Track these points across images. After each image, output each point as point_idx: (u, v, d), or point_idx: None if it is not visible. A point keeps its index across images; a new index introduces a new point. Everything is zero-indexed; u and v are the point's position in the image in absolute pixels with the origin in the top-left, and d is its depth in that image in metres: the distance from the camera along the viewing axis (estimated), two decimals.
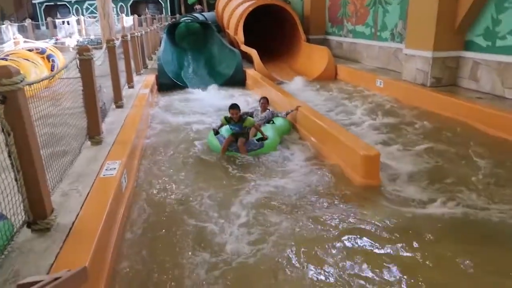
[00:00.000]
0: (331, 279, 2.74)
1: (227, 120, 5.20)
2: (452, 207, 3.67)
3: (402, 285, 2.65)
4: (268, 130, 5.58)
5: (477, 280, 2.70)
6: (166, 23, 21.43)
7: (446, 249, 3.05)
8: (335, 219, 3.52)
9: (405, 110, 7.15)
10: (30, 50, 9.39)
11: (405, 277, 2.72)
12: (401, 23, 9.57)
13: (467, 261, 2.85)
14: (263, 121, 6.11)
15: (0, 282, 2.24)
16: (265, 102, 6.47)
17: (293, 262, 2.93)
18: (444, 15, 7.31)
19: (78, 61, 4.41)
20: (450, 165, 4.67)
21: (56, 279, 1.79)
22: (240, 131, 5.14)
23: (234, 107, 5.17)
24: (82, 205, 3.15)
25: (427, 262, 2.89)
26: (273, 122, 6.12)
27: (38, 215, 2.73)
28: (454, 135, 5.70)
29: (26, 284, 1.81)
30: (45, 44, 11.33)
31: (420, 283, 2.67)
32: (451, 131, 5.87)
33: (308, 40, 13.05)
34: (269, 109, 6.43)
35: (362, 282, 2.69)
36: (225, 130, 5.47)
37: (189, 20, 17.68)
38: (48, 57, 9.38)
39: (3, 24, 22.06)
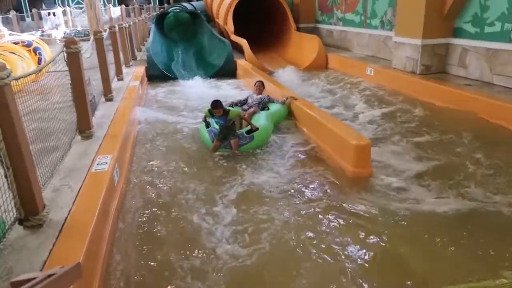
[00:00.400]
0: (317, 267, 2.78)
1: (211, 113, 4.95)
2: (443, 195, 3.73)
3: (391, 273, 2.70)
4: (261, 118, 5.41)
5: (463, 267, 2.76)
6: (155, 13, 21.16)
7: (437, 238, 3.10)
8: (325, 209, 3.55)
9: (395, 98, 7.19)
10: (15, 43, 9.21)
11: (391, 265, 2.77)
12: (390, 11, 9.56)
13: (461, 251, 2.90)
14: (257, 104, 5.95)
15: None
16: (260, 85, 6.37)
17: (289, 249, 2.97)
18: (433, 2, 7.32)
19: (65, 55, 4.34)
20: (441, 153, 4.72)
21: (50, 275, 1.78)
22: (225, 124, 4.87)
23: (217, 105, 4.84)
24: (74, 200, 3.13)
25: (414, 251, 2.94)
26: (268, 108, 5.96)
27: (29, 212, 2.71)
28: (443, 123, 5.75)
29: (19, 281, 1.80)
30: (31, 37, 11.12)
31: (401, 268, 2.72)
32: (440, 119, 5.93)
33: (298, 29, 13.00)
34: (265, 96, 6.26)
35: (352, 268, 2.73)
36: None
37: (178, 10, 17.47)
38: (35, 50, 9.22)
39: None
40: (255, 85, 6.43)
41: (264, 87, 6.46)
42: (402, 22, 8.19)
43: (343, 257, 2.88)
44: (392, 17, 9.37)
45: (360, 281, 2.63)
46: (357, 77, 9.14)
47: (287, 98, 6.25)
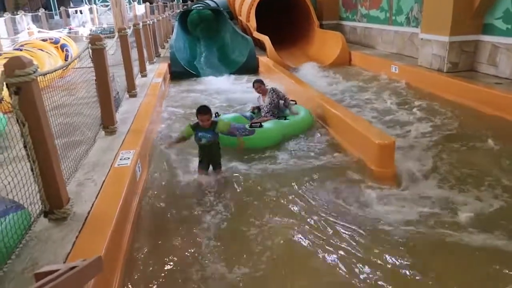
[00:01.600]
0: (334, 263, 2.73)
1: (193, 128, 3.99)
2: (471, 200, 3.59)
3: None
4: (271, 127, 4.93)
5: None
6: (178, 11, 21.33)
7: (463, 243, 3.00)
8: (346, 209, 3.49)
9: (420, 97, 7.00)
10: (44, 40, 9.47)
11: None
12: (416, 7, 9.32)
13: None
14: (270, 109, 5.37)
15: (18, 270, 2.29)
16: (260, 85, 5.51)
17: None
18: None
19: (90, 51, 4.42)
20: (469, 155, 4.56)
21: (72, 268, 1.81)
22: (213, 140, 3.97)
23: (204, 111, 3.88)
24: (98, 194, 3.19)
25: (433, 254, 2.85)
26: (286, 118, 5.31)
27: (54, 205, 2.78)
28: (471, 123, 5.56)
29: (43, 273, 1.84)
30: (59, 34, 11.42)
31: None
32: (468, 118, 5.73)
33: (321, 26, 12.85)
34: (270, 90, 5.49)
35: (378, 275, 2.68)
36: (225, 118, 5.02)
37: (201, 7, 17.56)
38: (62, 47, 9.46)
39: (18, 14, 22.24)
40: (253, 86, 5.63)
41: (264, 85, 5.59)
42: (429, 18, 7.97)
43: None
44: (419, 14, 9.14)
45: None
46: (381, 74, 8.96)
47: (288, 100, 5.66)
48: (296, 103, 5.85)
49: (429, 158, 4.45)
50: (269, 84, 6.21)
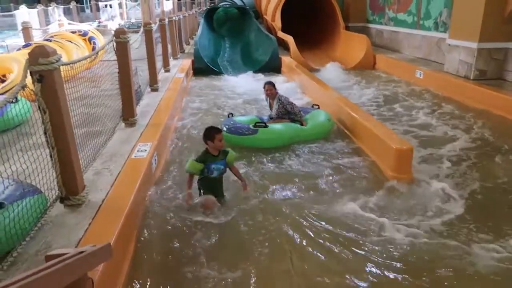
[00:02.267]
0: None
1: (203, 161, 3.35)
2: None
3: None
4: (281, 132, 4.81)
5: None
6: (205, 8, 21.52)
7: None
8: (361, 213, 3.45)
9: (444, 104, 6.84)
10: (73, 32, 9.74)
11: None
12: (446, 11, 9.11)
13: None
14: (279, 116, 5.20)
15: (32, 252, 2.37)
16: (270, 87, 5.27)
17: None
18: (493, 3, 6.88)
19: (114, 44, 4.51)
20: (492, 165, 4.43)
21: (80, 252, 1.86)
22: (223, 171, 3.49)
23: (218, 130, 3.42)
24: (113, 184, 3.26)
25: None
26: (301, 124, 5.08)
27: (70, 191, 2.85)
28: (498, 133, 5.38)
29: (53, 255, 1.90)
30: (88, 27, 11.71)
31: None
32: (494, 129, 5.55)
33: (347, 28, 12.72)
34: (277, 98, 5.25)
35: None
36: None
37: (228, 5, 17.64)
38: (90, 39, 9.71)
39: (50, 6, 22.91)
40: (264, 87, 5.40)
41: (275, 89, 5.31)
42: (457, 23, 7.78)
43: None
44: (447, 19, 8.92)
45: None
46: (405, 79, 8.81)
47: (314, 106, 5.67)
48: (319, 107, 5.68)
49: (446, 166, 4.35)
50: (289, 84, 6.13)
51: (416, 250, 2.89)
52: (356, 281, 2.61)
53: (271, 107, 5.43)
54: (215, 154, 3.39)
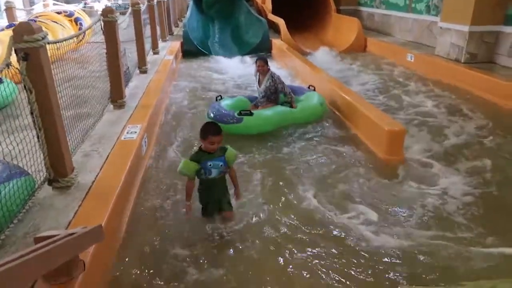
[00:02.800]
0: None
1: (197, 160, 2.78)
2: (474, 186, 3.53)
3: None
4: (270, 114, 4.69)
5: None
6: None
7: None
8: (350, 192, 3.46)
9: (435, 87, 6.85)
10: (58, 13, 9.46)
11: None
12: None
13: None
14: (266, 95, 5.11)
15: (20, 234, 2.32)
16: (262, 64, 5.07)
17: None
18: None
19: (102, 23, 4.39)
20: (482, 148, 4.46)
21: (71, 234, 1.82)
22: (225, 169, 2.88)
23: (217, 131, 2.77)
24: (102, 166, 3.20)
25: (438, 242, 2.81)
26: (289, 104, 5.05)
27: (59, 173, 2.79)
28: (486, 117, 5.41)
29: (43, 237, 1.86)
30: (74, 8, 11.38)
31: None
32: (483, 112, 5.58)
33: (338, 11, 12.59)
34: (269, 76, 5.09)
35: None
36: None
37: None
38: (76, 20, 9.46)
39: None
40: (255, 62, 5.21)
41: (267, 65, 5.15)
42: (450, 6, 7.74)
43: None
44: (439, 2, 8.87)
45: None
46: (396, 62, 8.79)
47: (310, 86, 5.56)
48: (315, 89, 5.54)
49: (436, 148, 4.38)
50: (282, 67, 6.02)
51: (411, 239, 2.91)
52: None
53: (260, 83, 5.25)
54: (211, 152, 2.80)
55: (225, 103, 5.08)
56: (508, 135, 4.73)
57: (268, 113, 4.80)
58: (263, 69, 5.11)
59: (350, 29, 10.74)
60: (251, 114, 4.61)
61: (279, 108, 4.96)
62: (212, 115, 4.73)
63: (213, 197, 2.92)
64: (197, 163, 2.76)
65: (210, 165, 2.78)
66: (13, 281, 1.39)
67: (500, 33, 7.21)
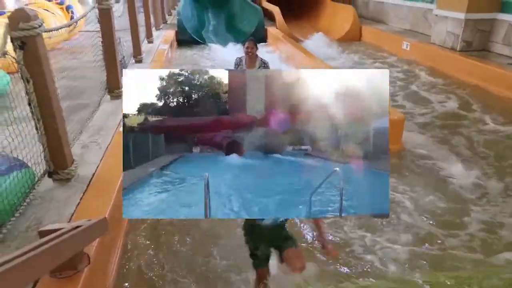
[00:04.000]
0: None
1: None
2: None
3: None
4: None
5: None
6: None
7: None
8: None
9: (431, 75, 6.85)
10: (49, 1, 9.23)
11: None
12: None
13: None
14: None
15: (22, 228, 2.28)
16: (252, 45, 4.43)
17: None
18: None
19: (97, 11, 4.29)
20: (479, 136, 4.48)
21: (76, 227, 1.79)
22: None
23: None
24: (102, 157, 3.15)
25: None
26: None
27: (59, 165, 2.74)
28: (484, 105, 5.42)
29: (47, 231, 1.82)
30: None
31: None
32: (480, 100, 5.58)
33: None
34: (261, 63, 4.53)
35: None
36: None
37: None
38: (67, 8, 9.22)
39: None
40: (243, 44, 4.62)
41: (257, 48, 4.52)
42: None
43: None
44: None
45: None
46: (392, 51, 8.76)
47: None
48: None
49: (433, 134, 4.40)
50: (277, 55, 5.95)
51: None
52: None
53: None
54: None
55: None
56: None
57: None
58: (252, 51, 4.48)
59: (345, 18, 10.67)
60: None
61: None
62: None
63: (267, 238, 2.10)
64: None
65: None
66: (22, 276, 1.35)
67: (495, 20, 7.19)
